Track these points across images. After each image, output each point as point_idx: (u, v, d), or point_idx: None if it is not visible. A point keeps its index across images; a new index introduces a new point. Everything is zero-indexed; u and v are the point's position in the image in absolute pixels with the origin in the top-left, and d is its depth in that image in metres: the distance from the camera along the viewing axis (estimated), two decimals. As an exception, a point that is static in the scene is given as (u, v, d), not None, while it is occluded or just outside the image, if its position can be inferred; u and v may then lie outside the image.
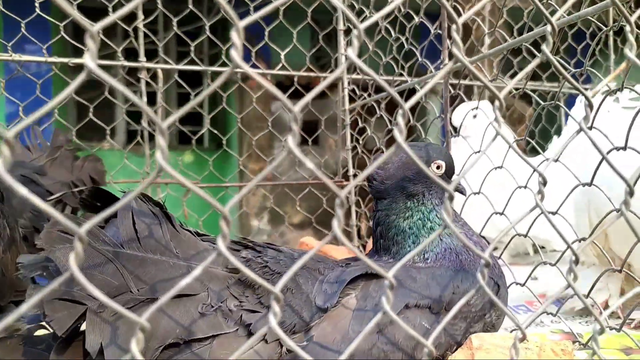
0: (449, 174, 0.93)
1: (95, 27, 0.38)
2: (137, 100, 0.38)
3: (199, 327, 0.64)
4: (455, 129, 1.42)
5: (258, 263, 0.74)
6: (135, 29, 1.68)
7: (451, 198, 0.46)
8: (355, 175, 2.00)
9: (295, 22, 1.97)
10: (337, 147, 2.09)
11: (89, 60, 0.37)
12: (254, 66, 2.13)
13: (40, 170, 1.27)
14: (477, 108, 1.60)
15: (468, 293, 0.77)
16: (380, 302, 0.48)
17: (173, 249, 0.71)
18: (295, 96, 2.15)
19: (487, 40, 2.32)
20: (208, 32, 1.76)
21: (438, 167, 0.90)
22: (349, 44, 2.01)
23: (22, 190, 0.35)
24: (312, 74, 2.01)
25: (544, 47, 0.50)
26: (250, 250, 0.78)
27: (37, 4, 1.55)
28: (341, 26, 1.97)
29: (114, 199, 0.72)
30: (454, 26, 0.49)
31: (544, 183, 0.50)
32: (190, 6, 1.69)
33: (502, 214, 1.16)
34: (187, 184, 0.41)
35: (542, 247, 1.84)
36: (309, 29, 2.06)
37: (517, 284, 1.11)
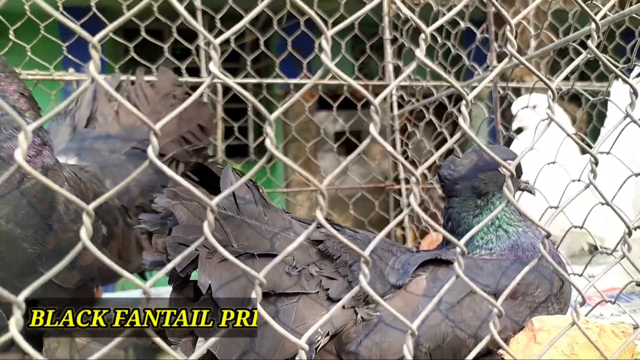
0: (517, 174, 0.99)
1: (217, 41, 0.47)
2: (254, 100, 0.47)
3: (286, 284, 0.74)
4: (506, 128, 1.46)
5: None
6: (197, 47, 1.82)
7: (512, 176, 0.52)
8: (406, 180, 2.06)
9: (339, 33, 2.05)
10: (383, 156, 2.16)
11: (213, 67, 0.46)
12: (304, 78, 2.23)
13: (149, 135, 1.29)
14: (527, 108, 1.62)
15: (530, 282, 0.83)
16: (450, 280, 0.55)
17: (264, 217, 0.81)
18: (342, 107, 2.25)
19: (533, 43, 2.34)
20: (263, 47, 1.87)
21: None
22: (395, 52, 2.08)
23: (169, 172, 0.44)
24: (361, 83, 2.09)
25: (589, 43, 0.56)
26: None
27: (109, 29, 1.70)
28: (387, 36, 2.05)
29: (213, 175, 0.83)
30: (507, 27, 0.55)
31: (596, 162, 0.55)
32: (249, 26, 1.81)
33: (556, 207, 1.20)
34: (277, 153, 0.50)
35: (603, 247, 1.84)
36: (351, 40, 2.14)
37: (574, 274, 1.15)
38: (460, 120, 0.53)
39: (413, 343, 0.52)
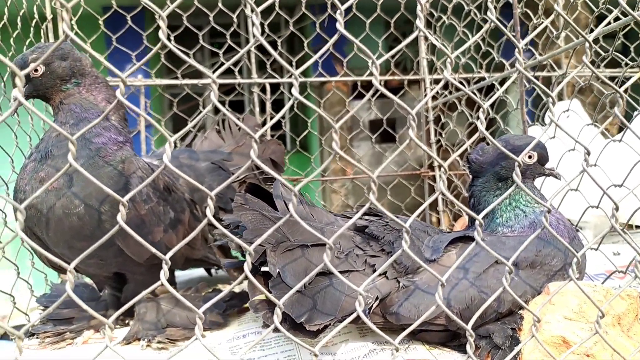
0: (542, 162, 1.10)
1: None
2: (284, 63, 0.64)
3: (336, 266, 0.92)
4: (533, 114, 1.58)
5: (380, 223, 1.00)
6: (249, 52, 2.01)
7: (519, 165, 0.68)
8: (440, 167, 2.20)
9: (371, 25, 2.16)
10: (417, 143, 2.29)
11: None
12: (332, 68, 2.37)
13: (228, 157, 1.55)
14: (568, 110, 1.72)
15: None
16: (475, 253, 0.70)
17: (312, 216, 1.00)
18: (376, 96, 2.38)
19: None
20: (292, 28, 2.04)
21: (530, 157, 1.08)
22: (429, 48, 2.22)
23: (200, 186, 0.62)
24: (396, 78, 2.24)
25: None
26: (372, 215, 1.04)
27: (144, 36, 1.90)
28: (421, 33, 2.18)
29: (264, 192, 1.02)
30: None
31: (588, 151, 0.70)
32: (281, 13, 1.98)
33: (576, 190, 1.34)
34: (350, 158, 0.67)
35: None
36: (383, 29, 2.24)
37: (591, 248, 1.28)
38: (479, 124, 0.68)
39: (443, 295, 0.68)
